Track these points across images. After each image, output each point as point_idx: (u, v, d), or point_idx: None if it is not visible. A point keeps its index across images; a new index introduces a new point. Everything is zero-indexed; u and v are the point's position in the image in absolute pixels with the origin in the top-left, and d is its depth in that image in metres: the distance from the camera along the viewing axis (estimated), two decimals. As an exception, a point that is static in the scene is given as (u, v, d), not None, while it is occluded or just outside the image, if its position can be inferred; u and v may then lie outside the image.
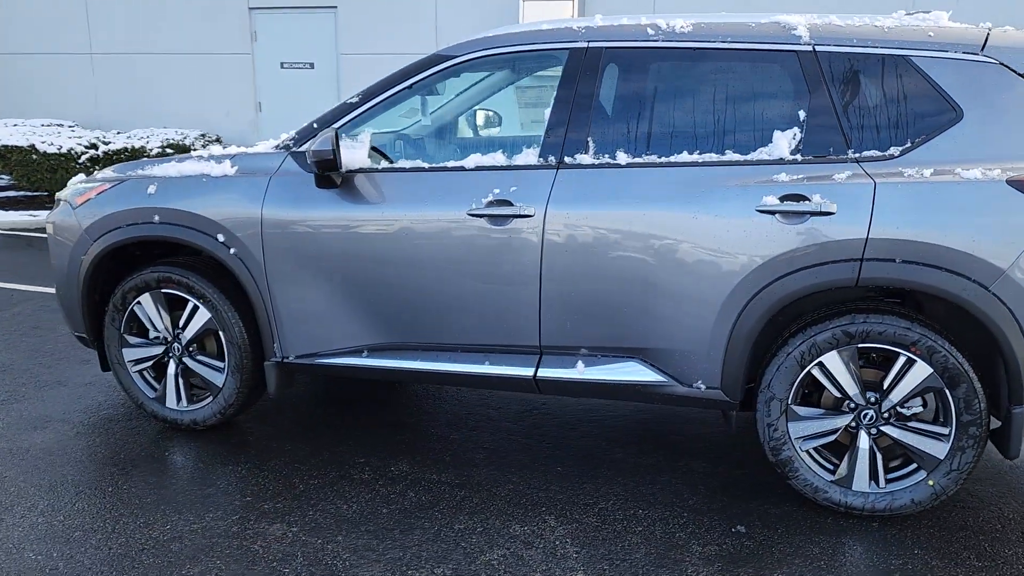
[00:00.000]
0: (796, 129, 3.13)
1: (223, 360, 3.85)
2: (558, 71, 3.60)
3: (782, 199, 3.05)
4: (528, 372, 3.44)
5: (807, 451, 3.24)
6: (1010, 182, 2.89)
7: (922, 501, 3.14)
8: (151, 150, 10.38)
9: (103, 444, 3.87)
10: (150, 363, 3.99)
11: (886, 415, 3.13)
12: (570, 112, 3.34)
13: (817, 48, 3.14)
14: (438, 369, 3.54)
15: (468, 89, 4.29)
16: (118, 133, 11.11)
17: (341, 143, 3.41)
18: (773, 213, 3.06)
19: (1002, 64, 3.00)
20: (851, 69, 3.11)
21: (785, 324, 3.27)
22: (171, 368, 3.94)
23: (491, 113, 4.77)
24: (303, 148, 3.64)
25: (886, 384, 3.09)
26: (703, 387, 3.27)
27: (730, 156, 3.17)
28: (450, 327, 3.50)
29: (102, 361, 4.11)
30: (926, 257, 2.93)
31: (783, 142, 3.13)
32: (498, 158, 3.41)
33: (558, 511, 3.27)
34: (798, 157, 3.11)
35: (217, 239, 3.67)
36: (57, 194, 4.21)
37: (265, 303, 3.68)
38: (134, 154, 10.29)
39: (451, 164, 3.46)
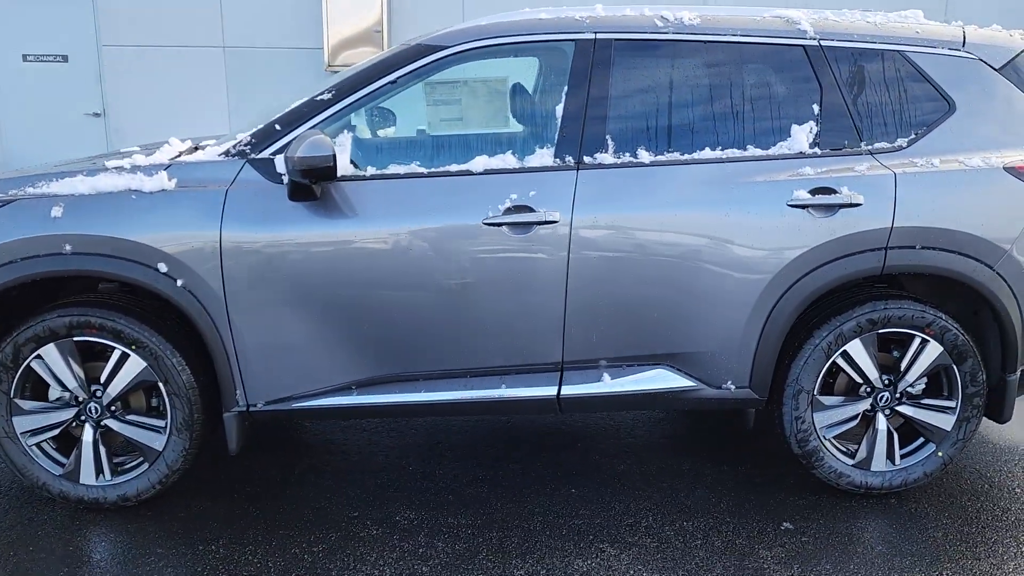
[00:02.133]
0: (812, 123, 3.15)
1: (163, 418, 3.13)
2: (476, 67, 3.35)
3: (813, 192, 3.06)
4: (550, 392, 3.17)
5: (829, 439, 3.30)
6: (1007, 168, 3.13)
7: (932, 472, 3.32)
8: None
9: (1, 547, 2.99)
10: (55, 431, 3.15)
11: (899, 396, 3.27)
12: (585, 108, 3.10)
13: (822, 42, 3.19)
14: (447, 399, 3.15)
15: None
16: None
17: (325, 147, 2.90)
18: (804, 207, 3.06)
19: (980, 60, 3.24)
20: (855, 63, 3.19)
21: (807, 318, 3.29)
22: (87, 435, 3.13)
23: (377, 112, 4.34)
24: (265, 154, 3.05)
25: (903, 366, 3.23)
26: (733, 387, 3.21)
27: (752, 151, 3.13)
28: (459, 350, 3.12)
29: (-25, 437, 3.17)
30: (942, 242, 3.10)
31: (801, 136, 3.14)
32: (509, 159, 3.09)
33: (608, 537, 3.04)
34: (817, 150, 3.14)
35: (158, 270, 2.96)
36: None
37: (224, 343, 3.04)
38: None
39: (454, 168, 3.08)
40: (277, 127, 3.09)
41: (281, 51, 9.24)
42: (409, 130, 4.22)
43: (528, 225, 3.01)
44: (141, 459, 3.19)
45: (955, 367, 3.22)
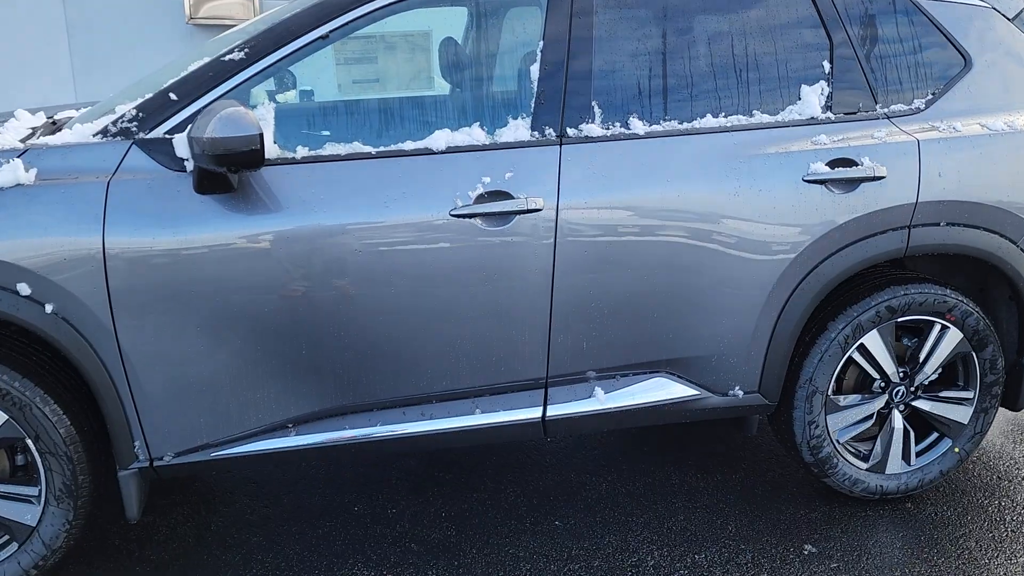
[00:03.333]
0: (823, 83, 2.70)
1: (34, 484, 2.38)
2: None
3: (831, 165, 2.62)
4: (534, 414, 2.63)
5: (843, 443, 2.92)
6: (1030, 132, 2.79)
7: (948, 470, 3.00)
8: None
9: None
10: None
11: (914, 389, 2.92)
12: (565, 70, 2.53)
13: (830, -13, 2.73)
14: (408, 433, 2.56)
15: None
16: None
17: (243, 123, 2.19)
18: (823, 182, 2.62)
19: (994, 8, 2.88)
20: (866, 12, 2.76)
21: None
22: (-70, 515, 2.35)
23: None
24: (159, 132, 2.32)
25: (921, 356, 2.87)
26: (740, 393, 2.77)
27: (759, 118, 2.66)
28: (423, 370, 2.52)
29: None
30: (967, 217, 2.74)
31: (813, 98, 2.69)
32: (477, 134, 2.48)
33: (615, 584, 2.56)
34: (830, 115, 2.70)
35: (17, 292, 2.20)
36: None
37: (116, 384, 2.32)
38: None
39: (409, 146, 2.44)
40: (172, 96, 2.35)
41: (132, 1, 8.06)
42: (325, 96, 3.51)
43: (506, 215, 2.43)
44: (7, 537, 2.43)
45: (974, 354, 2.90)
